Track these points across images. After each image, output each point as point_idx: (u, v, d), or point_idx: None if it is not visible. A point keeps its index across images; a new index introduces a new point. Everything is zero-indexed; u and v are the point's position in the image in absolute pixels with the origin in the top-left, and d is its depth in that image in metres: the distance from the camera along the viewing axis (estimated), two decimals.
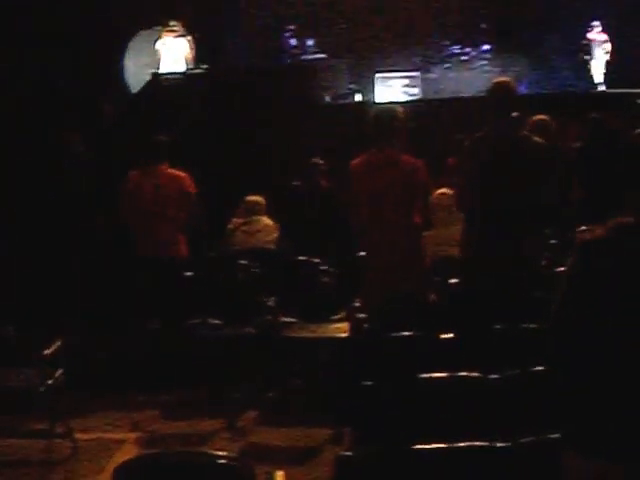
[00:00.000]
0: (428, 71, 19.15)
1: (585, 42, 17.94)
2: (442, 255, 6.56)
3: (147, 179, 7.31)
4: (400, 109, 6.23)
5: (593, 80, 17.86)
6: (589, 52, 17.86)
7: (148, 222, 7.21)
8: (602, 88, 17.58)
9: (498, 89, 5.67)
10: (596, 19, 17.72)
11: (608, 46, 17.67)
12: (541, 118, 7.34)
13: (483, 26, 20.68)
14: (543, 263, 5.89)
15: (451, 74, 19.67)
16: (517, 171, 5.44)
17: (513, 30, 19.29)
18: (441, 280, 6.21)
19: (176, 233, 7.30)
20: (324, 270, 7.19)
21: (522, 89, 17.13)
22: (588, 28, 17.89)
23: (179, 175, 7.35)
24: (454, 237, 6.19)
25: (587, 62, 17.87)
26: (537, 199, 5.45)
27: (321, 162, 8.84)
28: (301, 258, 7.35)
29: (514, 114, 5.63)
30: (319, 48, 17.33)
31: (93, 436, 6.07)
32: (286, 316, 6.49)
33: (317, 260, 7.28)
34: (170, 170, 7.36)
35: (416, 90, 18.15)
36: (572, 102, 14.15)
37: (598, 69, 17.87)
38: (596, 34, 17.89)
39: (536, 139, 5.65)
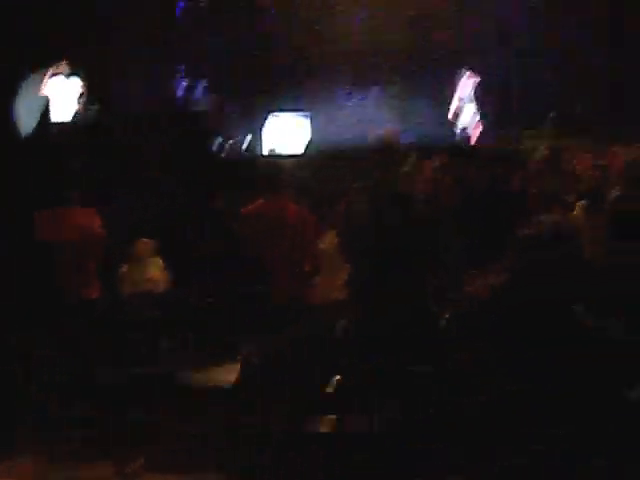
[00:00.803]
0: (319, 113, 19.43)
1: (456, 87, 18.89)
2: (331, 299, 6.70)
3: (56, 222, 7.28)
4: (290, 158, 6.38)
5: (459, 126, 18.77)
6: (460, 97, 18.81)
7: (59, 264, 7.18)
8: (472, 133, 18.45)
9: (384, 139, 5.87)
10: (466, 66, 18.63)
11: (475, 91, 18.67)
12: (430, 166, 7.57)
13: (376, 69, 21.18)
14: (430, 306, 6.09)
15: (342, 117, 20.01)
16: (400, 218, 5.65)
17: (403, 74, 19.81)
18: (330, 323, 6.35)
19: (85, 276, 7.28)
20: (217, 313, 7.25)
21: (409, 137, 17.63)
22: (460, 74, 18.85)
23: (89, 218, 7.34)
24: (342, 282, 6.36)
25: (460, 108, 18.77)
26: (419, 245, 5.67)
27: (220, 204, 8.89)
28: (194, 300, 7.41)
29: (401, 162, 5.86)
30: (210, 90, 17.44)
31: None
32: (179, 359, 6.51)
33: (210, 301, 7.35)
34: (79, 212, 7.34)
35: (307, 132, 18.43)
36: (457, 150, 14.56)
37: (468, 114, 18.79)
38: (466, 80, 18.88)
39: (418, 187, 5.88)
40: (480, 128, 19.03)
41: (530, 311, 3.02)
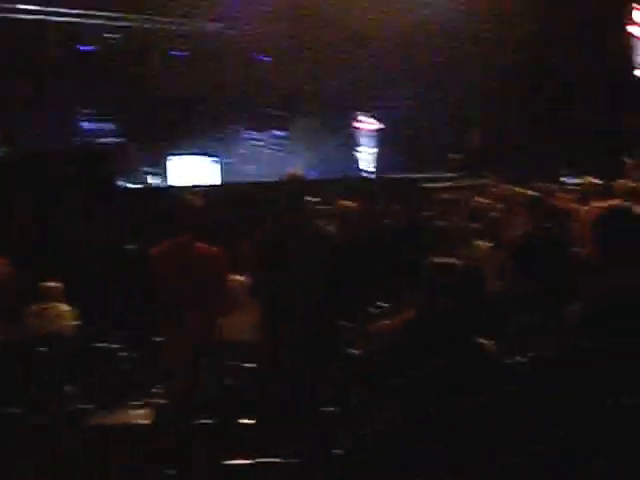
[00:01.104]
0: (223, 155, 19.54)
1: (353, 130, 19.49)
2: (238, 340, 6.72)
3: None
4: (196, 196, 6.36)
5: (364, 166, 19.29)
6: (357, 140, 19.42)
7: None
8: (371, 174, 18.99)
9: (288, 181, 5.92)
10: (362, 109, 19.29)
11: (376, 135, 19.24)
12: (344, 205, 7.68)
13: (277, 112, 21.40)
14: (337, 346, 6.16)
15: (246, 158, 20.16)
16: (305, 259, 5.72)
17: (305, 117, 20.11)
18: (237, 365, 6.35)
19: None
20: (124, 356, 7.19)
21: (314, 174, 17.83)
22: (356, 117, 19.48)
23: None
24: (250, 322, 6.39)
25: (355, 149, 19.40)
26: (323, 282, 5.74)
27: (131, 247, 8.81)
28: (99, 344, 7.32)
29: (305, 202, 5.94)
30: (115, 131, 17.36)
31: None
32: (85, 403, 6.42)
33: (116, 346, 7.28)
34: None
35: (211, 173, 18.51)
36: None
37: (367, 156, 19.38)
38: (366, 123, 19.48)
39: (326, 228, 5.96)
40: (375, 168, 19.62)
41: (437, 346, 3.12)
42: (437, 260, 3.48)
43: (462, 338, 3.18)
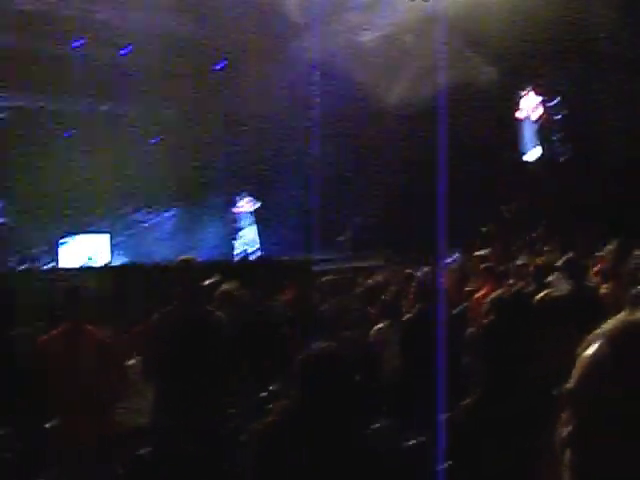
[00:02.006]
0: (114, 235, 19.39)
1: (234, 212, 19.94)
2: (133, 425, 6.64)
3: None
4: (87, 279, 6.32)
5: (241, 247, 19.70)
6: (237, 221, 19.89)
7: None
8: (255, 255, 19.37)
9: (181, 266, 5.94)
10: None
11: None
12: (226, 290, 7.71)
13: (168, 192, 21.43)
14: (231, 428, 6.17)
15: (137, 239, 20.04)
16: (198, 344, 5.74)
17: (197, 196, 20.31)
18: (130, 451, 6.27)
19: None
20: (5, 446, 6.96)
21: (205, 255, 17.85)
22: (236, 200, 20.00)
23: None
24: (145, 407, 6.33)
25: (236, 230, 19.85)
26: (217, 366, 5.77)
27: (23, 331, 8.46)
28: None
29: (200, 287, 5.98)
30: (5, 212, 17.03)
31: None
32: None
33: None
34: None
35: (102, 253, 18.33)
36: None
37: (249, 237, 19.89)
38: (245, 205, 19.98)
39: (217, 314, 6.00)
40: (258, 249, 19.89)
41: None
42: (307, 352, 3.35)
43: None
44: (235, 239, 20.36)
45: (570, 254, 7.94)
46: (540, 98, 19.07)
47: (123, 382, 6.72)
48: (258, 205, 20.44)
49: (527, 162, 19.48)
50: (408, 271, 11.30)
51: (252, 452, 3.11)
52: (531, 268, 8.84)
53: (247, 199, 20.32)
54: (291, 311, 9.00)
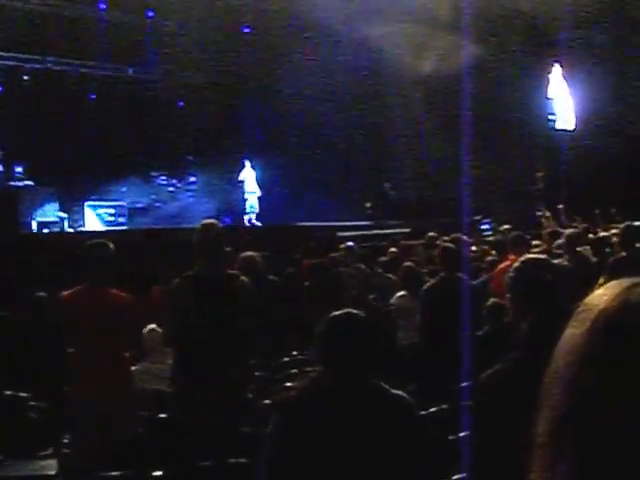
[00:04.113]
0: (135, 201, 19.38)
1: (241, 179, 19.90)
2: (152, 389, 6.62)
3: None
4: (109, 243, 6.25)
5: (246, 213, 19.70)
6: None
7: None
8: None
9: (204, 230, 5.86)
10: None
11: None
12: (248, 255, 7.69)
13: (189, 158, 21.40)
14: (250, 396, 6.13)
15: (158, 204, 20.04)
16: (221, 308, 5.67)
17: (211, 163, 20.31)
18: (149, 414, 6.25)
19: None
20: (32, 405, 6.98)
21: (227, 221, 17.83)
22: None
23: None
24: (164, 371, 6.31)
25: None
26: (239, 331, 5.70)
27: (43, 294, 8.49)
28: (7, 393, 7.10)
29: (223, 251, 5.90)
30: (27, 175, 17.00)
31: None
32: None
33: (25, 394, 7.06)
34: None
35: (123, 219, 18.33)
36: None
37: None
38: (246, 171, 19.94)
39: (242, 278, 5.92)
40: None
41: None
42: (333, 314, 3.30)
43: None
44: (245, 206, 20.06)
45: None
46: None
47: (142, 344, 6.75)
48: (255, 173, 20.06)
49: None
50: (431, 234, 11.22)
51: (277, 423, 3.06)
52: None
53: (248, 166, 19.96)
54: (314, 278, 8.94)
